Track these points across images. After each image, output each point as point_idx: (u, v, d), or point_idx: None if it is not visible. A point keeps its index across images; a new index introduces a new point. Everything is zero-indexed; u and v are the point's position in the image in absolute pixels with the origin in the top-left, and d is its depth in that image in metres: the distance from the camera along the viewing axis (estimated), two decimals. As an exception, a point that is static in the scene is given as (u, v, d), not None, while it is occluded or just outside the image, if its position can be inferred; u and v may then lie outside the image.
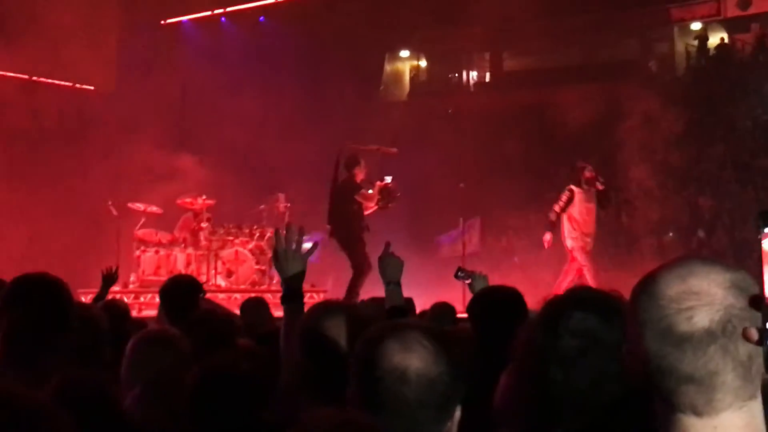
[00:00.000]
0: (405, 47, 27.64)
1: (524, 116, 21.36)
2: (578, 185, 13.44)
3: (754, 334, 1.26)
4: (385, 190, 11.28)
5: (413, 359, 1.98)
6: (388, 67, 27.85)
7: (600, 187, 13.49)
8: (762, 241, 1.14)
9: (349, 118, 21.41)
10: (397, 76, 28.10)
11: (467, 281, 5.36)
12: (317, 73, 21.95)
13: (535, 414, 1.84)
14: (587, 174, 13.46)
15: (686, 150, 19.42)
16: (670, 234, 18.55)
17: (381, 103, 25.60)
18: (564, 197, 13.51)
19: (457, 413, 2.03)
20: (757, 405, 1.41)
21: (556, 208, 13.44)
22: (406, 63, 28.34)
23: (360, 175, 11.42)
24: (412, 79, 28.20)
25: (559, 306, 1.96)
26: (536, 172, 19.71)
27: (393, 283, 4.19)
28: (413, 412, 1.96)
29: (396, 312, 3.98)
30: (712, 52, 24.29)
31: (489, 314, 3.76)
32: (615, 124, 20.39)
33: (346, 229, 11.16)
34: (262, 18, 23.46)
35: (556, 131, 19.42)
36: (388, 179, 11.44)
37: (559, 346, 1.85)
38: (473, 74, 28.69)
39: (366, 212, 11.37)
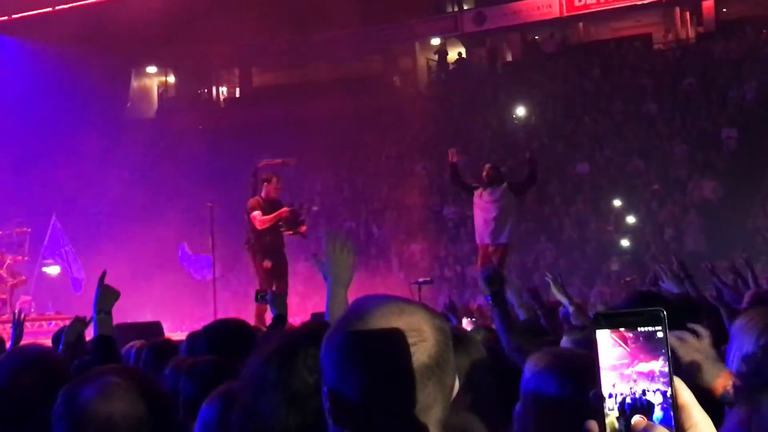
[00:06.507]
0: (152, 63, 27.19)
1: (275, 130, 21.47)
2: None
3: (595, 427, 1.10)
4: (290, 214, 10.54)
5: (116, 403, 1.99)
6: (134, 84, 27.30)
7: None
8: (596, 335, 1.11)
9: (96, 136, 20.85)
10: (145, 93, 27.59)
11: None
12: (61, 93, 21.16)
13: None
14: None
15: (428, 161, 20.18)
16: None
17: (128, 120, 25.06)
18: None
19: None
20: None
21: None
22: (154, 79, 27.88)
23: (270, 192, 10.68)
24: (160, 95, 27.78)
25: (296, 340, 1.83)
26: (288, 185, 19.82)
27: (104, 312, 4.15)
28: None
29: (103, 341, 3.93)
30: (451, 66, 25.46)
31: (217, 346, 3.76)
32: (363, 137, 20.92)
33: (253, 245, 10.50)
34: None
35: (307, 144, 19.62)
36: (296, 205, 10.70)
37: (292, 382, 1.72)
38: (223, 89, 28.63)
39: (283, 231, 10.68)
